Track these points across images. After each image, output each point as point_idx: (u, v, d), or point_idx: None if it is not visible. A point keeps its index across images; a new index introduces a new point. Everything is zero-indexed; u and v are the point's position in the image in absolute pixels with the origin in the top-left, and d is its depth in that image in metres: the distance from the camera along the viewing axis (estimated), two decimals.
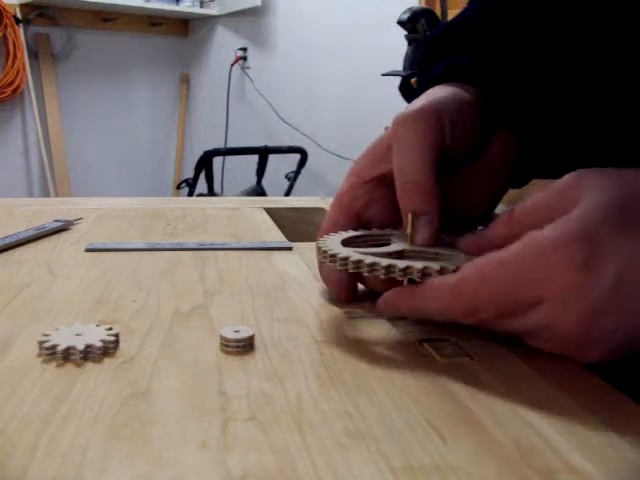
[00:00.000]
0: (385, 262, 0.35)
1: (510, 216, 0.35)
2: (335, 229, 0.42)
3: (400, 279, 0.35)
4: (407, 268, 0.35)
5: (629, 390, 0.31)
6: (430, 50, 0.49)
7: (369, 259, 0.36)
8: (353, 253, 0.37)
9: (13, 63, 3.11)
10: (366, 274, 0.36)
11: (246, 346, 0.34)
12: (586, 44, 0.43)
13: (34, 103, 3.25)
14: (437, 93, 0.41)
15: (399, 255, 0.38)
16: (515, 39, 0.45)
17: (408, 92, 2.06)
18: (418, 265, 0.35)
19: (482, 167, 0.43)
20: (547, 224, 0.32)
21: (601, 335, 0.31)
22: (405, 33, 2.10)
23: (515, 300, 0.32)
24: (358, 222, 0.43)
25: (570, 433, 0.27)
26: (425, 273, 0.35)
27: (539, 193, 0.34)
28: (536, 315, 0.32)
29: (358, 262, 0.36)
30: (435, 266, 0.35)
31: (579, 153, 0.45)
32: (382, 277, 0.35)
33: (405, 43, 2.14)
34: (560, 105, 0.44)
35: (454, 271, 0.34)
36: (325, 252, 0.38)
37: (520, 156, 0.44)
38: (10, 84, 3.12)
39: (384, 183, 0.41)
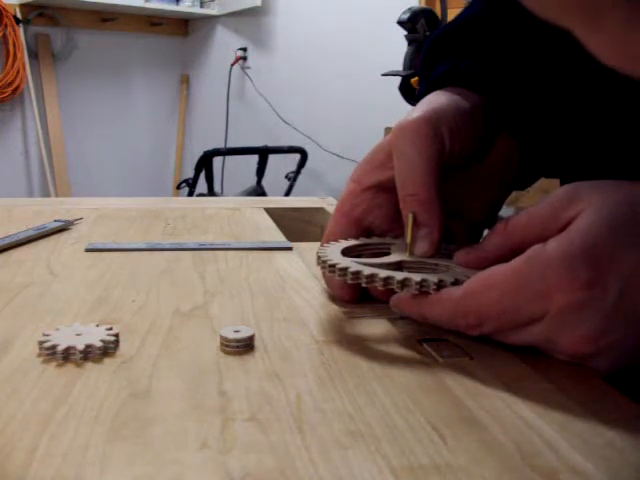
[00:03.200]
0: (383, 274, 0.35)
1: (504, 228, 0.35)
2: (337, 235, 0.42)
3: (398, 291, 0.36)
4: (405, 280, 0.35)
5: (629, 390, 0.31)
6: (432, 50, 0.49)
7: (367, 270, 0.36)
8: (352, 264, 0.37)
9: (13, 63, 3.11)
10: (365, 285, 0.36)
11: (246, 346, 0.34)
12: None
13: (34, 103, 3.25)
14: (435, 101, 0.41)
15: (398, 266, 0.38)
16: (515, 41, 0.45)
17: (408, 92, 2.07)
18: (416, 278, 0.35)
19: (485, 171, 0.43)
20: (542, 237, 0.32)
21: (605, 349, 0.31)
22: (405, 33, 2.10)
23: (518, 315, 0.32)
24: (360, 228, 0.43)
25: (570, 433, 0.27)
26: (423, 286, 0.35)
27: (534, 206, 0.34)
28: (538, 329, 0.32)
29: (357, 273, 0.36)
30: (433, 279, 0.35)
31: (583, 153, 0.45)
32: (380, 288, 0.35)
33: (405, 43, 2.14)
34: (563, 108, 0.44)
35: (452, 284, 0.35)
36: (325, 262, 0.38)
37: (523, 159, 0.44)
38: (10, 84, 3.12)
39: (384, 190, 0.41)
